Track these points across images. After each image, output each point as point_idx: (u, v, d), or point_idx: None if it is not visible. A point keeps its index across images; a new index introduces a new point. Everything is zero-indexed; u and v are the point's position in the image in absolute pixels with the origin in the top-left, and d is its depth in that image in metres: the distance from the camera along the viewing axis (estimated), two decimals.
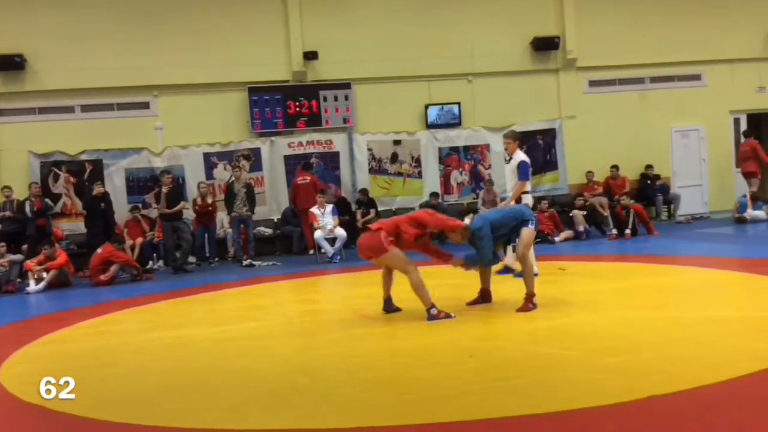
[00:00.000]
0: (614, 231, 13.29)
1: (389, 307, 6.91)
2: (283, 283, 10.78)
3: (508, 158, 8.98)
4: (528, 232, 6.76)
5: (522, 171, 8.71)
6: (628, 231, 13.06)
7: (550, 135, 16.01)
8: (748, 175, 15.75)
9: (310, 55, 14.86)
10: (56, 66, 14.03)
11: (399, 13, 15.50)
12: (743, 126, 16.94)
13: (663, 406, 3.82)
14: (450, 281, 7.93)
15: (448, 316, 6.44)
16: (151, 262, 13.54)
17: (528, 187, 8.82)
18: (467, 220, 6.87)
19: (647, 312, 6.34)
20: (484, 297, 7.09)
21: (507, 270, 8.65)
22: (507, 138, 9.10)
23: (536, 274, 8.50)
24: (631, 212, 13.18)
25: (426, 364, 5.08)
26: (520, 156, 8.89)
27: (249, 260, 12.99)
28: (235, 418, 4.14)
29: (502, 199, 10.58)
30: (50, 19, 14.10)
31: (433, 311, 6.44)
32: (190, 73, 14.49)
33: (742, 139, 16.48)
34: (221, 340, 6.50)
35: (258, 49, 14.83)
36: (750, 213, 14.28)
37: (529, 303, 6.61)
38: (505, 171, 9.22)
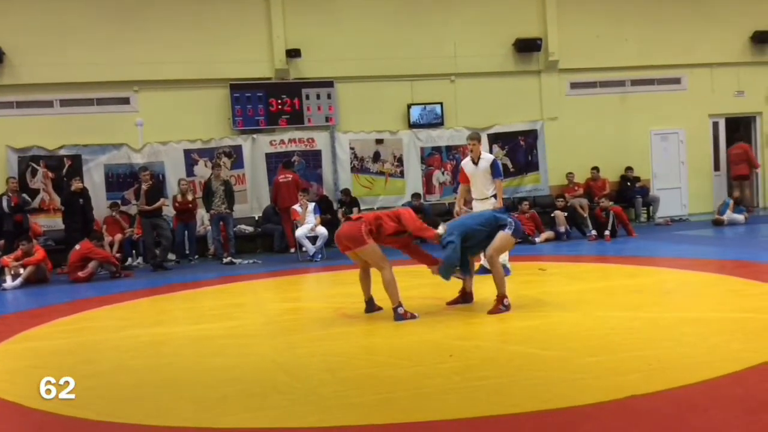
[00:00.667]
0: (594, 232, 13.37)
1: (371, 307, 6.90)
2: (264, 282, 10.73)
3: (475, 160, 8.80)
4: (503, 236, 6.66)
5: (497, 170, 8.75)
6: (607, 232, 13.14)
7: (531, 136, 16.10)
8: (739, 178, 15.86)
9: (293, 53, 14.79)
10: (35, 60, 13.82)
11: (382, 12, 15.50)
12: (722, 129, 17.13)
13: (642, 406, 3.84)
14: (432, 280, 7.91)
15: (413, 316, 6.48)
16: (130, 259, 13.45)
17: None
18: (441, 229, 6.76)
19: (626, 312, 6.37)
20: (465, 297, 7.08)
21: (484, 270, 8.63)
22: (472, 140, 8.93)
23: (508, 273, 8.48)
24: (611, 214, 13.27)
25: (406, 363, 5.07)
26: (489, 156, 8.94)
27: (229, 258, 12.92)
28: (214, 417, 4.11)
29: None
30: (29, 12, 13.91)
31: (400, 310, 6.47)
32: (172, 68, 14.37)
33: (722, 145, 16.66)
34: (200, 338, 6.47)
35: (240, 46, 14.74)
36: (728, 215, 14.41)
37: (500, 304, 6.57)
38: (471, 174, 8.87)
